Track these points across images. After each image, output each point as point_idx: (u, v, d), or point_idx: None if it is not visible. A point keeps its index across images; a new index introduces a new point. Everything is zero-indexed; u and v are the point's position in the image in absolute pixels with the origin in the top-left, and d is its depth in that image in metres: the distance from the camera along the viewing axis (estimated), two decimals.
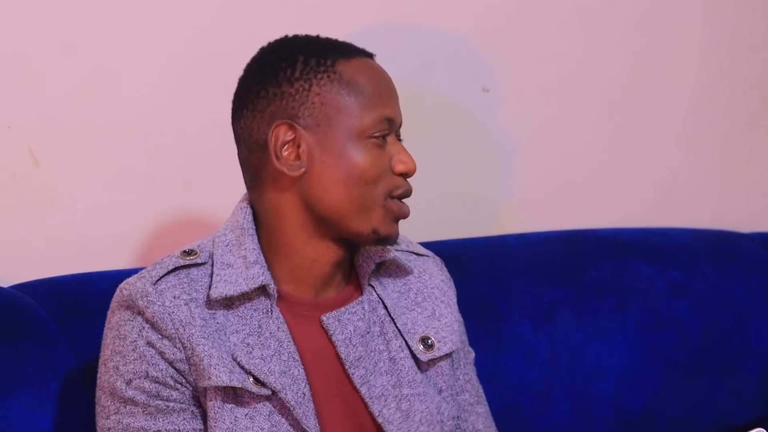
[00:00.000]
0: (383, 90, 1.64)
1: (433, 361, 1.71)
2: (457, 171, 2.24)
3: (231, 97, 2.03)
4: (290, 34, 1.70)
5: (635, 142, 2.46)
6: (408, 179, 1.65)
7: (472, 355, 1.80)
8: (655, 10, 2.45)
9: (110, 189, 1.97)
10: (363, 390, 1.64)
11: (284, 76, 1.62)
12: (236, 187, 2.04)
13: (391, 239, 1.65)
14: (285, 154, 1.61)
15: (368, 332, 1.67)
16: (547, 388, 2.14)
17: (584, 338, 2.18)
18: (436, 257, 1.80)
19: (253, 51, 2.05)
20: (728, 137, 2.55)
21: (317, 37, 1.68)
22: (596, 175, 2.42)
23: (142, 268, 1.66)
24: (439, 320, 1.73)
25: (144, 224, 2.00)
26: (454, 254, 1.85)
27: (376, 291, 1.70)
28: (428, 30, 2.22)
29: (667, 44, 2.46)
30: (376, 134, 1.62)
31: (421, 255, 1.78)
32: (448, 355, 1.73)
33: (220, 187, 2.05)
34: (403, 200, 1.65)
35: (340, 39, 1.77)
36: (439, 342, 1.71)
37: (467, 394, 1.77)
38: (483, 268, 2.12)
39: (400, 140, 1.67)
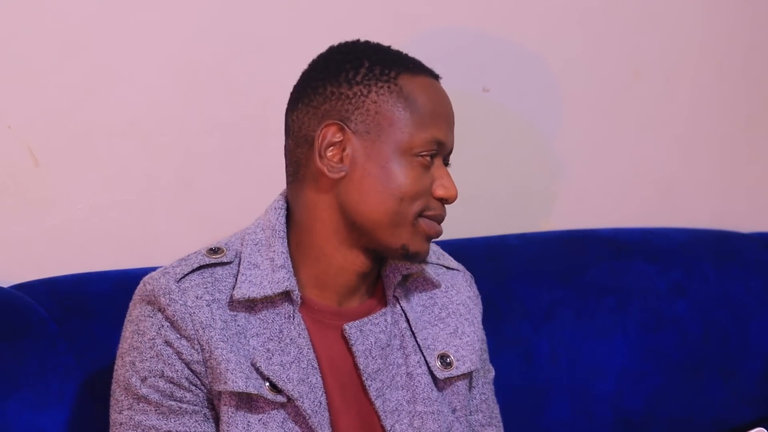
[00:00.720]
0: (440, 112, 1.63)
1: (450, 380, 1.69)
2: (457, 171, 2.23)
3: (231, 97, 2.04)
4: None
5: (635, 141, 2.46)
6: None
7: (492, 374, 1.79)
8: (654, 10, 2.45)
9: (110, 189, 1.97)
10: (377, 403, 1.63)
11: (346, 78, 1.61)
12: (236, 187, 2.05)
13: (419, 256, 1.64)
14: (329, 154, 1.60)
15: (388, 345, 1.66)
16: (547, 388, 2.14)
17: (584, 338, 2.18)
18: (467, 272, 1.80)
19: (253, 51, 2.06)
20: (728, 137, 2.55)
21: (388, 47, 1.67)
22: (596, 175, 2.42)
23: (142, 269, 1.65)
24: (460, 338, 1.71)
25: (144, 224, 2.00)
26: (454, 254, 1.85)
27: (400, 303, 1.69)
28: (428, 30, 2.22)
29: (667, 44, 2.46)
30: (424, 153, 1.60)
31: (452, 269, 1.77)
32: (465, 375, 1.71)
33: (221, 188, 2.05)
34: (438, 220, 1.64)
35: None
36: (458, 361, 1.70)
37: (480, 415, 1.75)
38: (483, 268, 2.11)
39: (447, 165, 1.66)
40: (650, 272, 2.28)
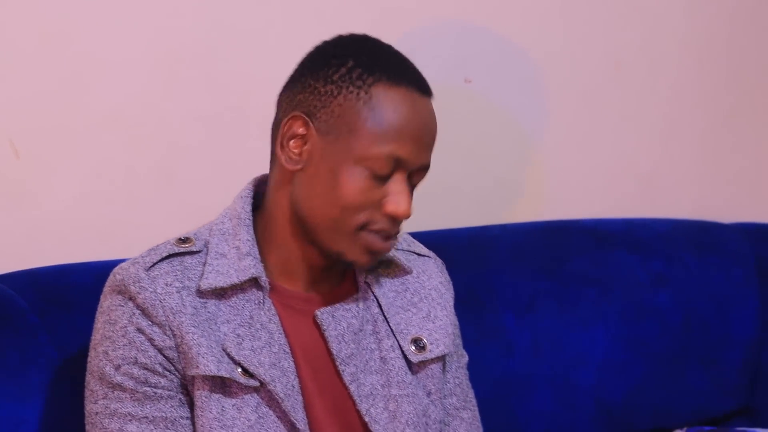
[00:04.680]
0: (408, 129, 1.57)
1: (423, 363, 1.70)
2: (439, 162, 2.23)
3: (212, 89, 2.04)
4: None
5: (617, 133, 2.47)
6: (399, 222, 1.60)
7: (465, 359, 1.80)
8: (636, 2, 2.45)
9: (91, 180, 1.97)
10: (352, 388, 1.64)
11: (325, 74, 1.59)
12: (217, 178, 2.04)
13: (358, 265, 1.62)
14: (291, 145, 1.60)
15: (361, 330, 1.67)
16: (528, 378, 2.15)
17: (566, 328, 2.19)
18: (438, 258, 1.80)
19: (235, 42, 2.06)
20: (709, 128, 2.56)
21: (387, 49, 1.63)
22: (578, 166, 2.43)
23: (124, 260, 1.65)
24: (433, 322, 1.72)
25: (125, 215, 2.00)
26: (436, 245, 1.85)
27: (371, 289, 1.69)
28: (411, 20, 2.22)
29: (648, 36, 2.47)
30: (376, 168, 1.56)
31: (422, 255, 1.78)
32: (439, 358, 1.72)
33: (202, 179, 2.05)
34: (384, 236, 1.60)
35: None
36: (431, 344, 1.70)
37: (454, 398, 1.76)
38: (465, 259, 2.12)
39: (415, 182, 1.62)
40: (632, 263, 2.28)
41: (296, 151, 1.59)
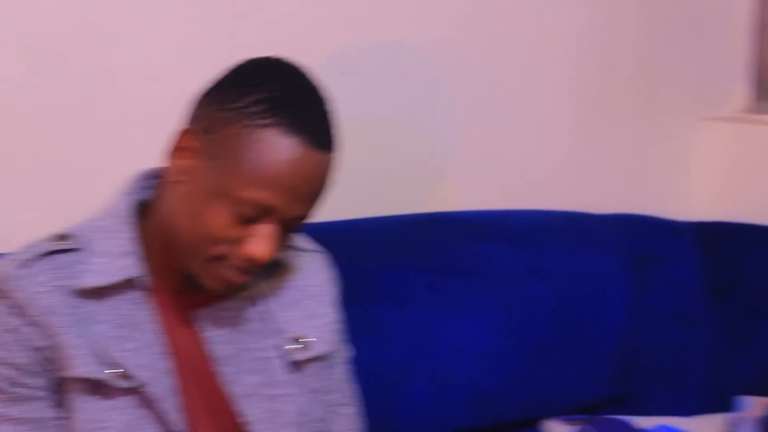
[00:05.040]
0: (286, 182, 1.50)
1: (306, 362, 1.70)
2: None
3: (79, 79, 2.01)
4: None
5: (493, 125, 2.49)
6: (256, 262, 1.55)
7: (348, 354, 1.80)
8: None
9: None
10: (230, 388, 1.63)
11: (232, 98, 1.51)
12: (95, 172, 2.01)
13: (212, 291, 1.59)
14: (177, 155, 1.54)
15: (242, 330, 1.66)
16: (404, 370, 2.16)
17: (443, 320, 2.20)
18: (324, 253, 1.78)
19: (92, 33, 2.02)
20: (583, 120, 2.59)
21: (307, 89, 1.54)
22: (455, 158, 2.44)
23: None
24: (316, 320, 1.72)
25: None
26: (314, 237, 1.85)
27: (254, 288, 1.67)
28: (284, 13, 2.21)
29: (526, 27, 2.49)
30: (241, 210, 1.51)
31: (309, 251, 1.76)
32: (322, 356, 1.72)
33: (72, 173, 2.02)
34: (241, 271, 1.56)
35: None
36: (314, 342, 1.70)
37: (336, 395, 1.76)
38: (343, 251, 2.11)
39: (289, 229, 1.57)
40: (507, 254, 2.30)
41: (182, 162, 1.54)
